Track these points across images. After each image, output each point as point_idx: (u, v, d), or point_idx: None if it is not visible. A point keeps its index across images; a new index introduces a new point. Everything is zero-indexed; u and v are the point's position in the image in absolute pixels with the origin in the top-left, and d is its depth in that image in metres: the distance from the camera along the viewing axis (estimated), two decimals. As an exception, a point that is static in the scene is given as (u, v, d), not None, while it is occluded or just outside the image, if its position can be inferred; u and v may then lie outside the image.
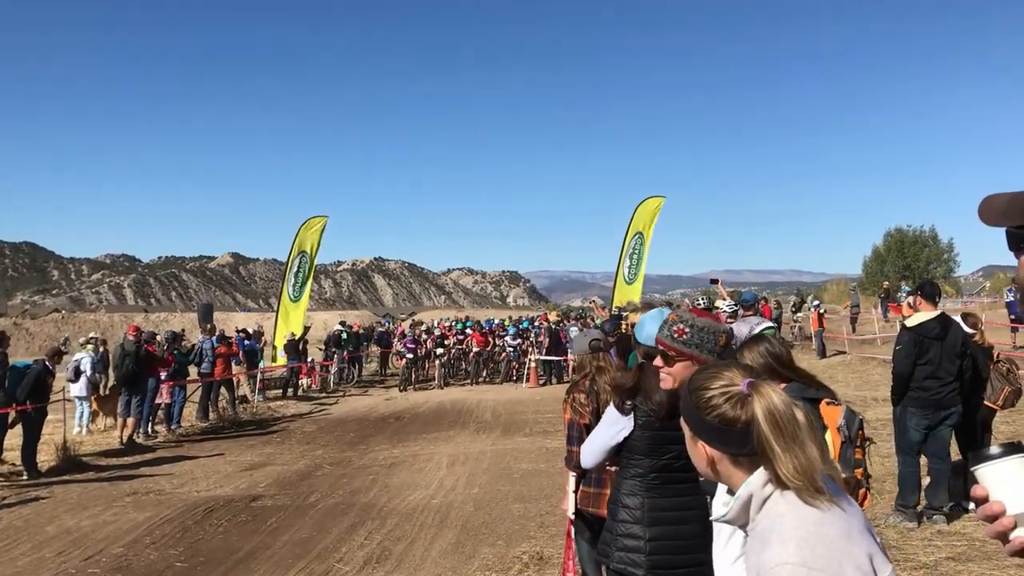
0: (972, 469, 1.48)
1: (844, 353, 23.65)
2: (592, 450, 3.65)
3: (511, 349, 25.07)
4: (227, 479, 11.34)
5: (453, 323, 31.45)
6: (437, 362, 25.14)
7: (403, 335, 26.58)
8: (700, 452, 1.80)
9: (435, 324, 29.95)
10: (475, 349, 25.81)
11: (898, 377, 7.28)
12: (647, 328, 4.14)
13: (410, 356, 24.05)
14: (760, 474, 1.70)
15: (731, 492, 1.78)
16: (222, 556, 7.66)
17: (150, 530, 8.57)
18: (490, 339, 26.53)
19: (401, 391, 23.02)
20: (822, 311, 25.32)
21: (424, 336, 26.21)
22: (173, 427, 16.04)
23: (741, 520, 1.74)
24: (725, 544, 1.98)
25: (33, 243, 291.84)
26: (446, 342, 26.16)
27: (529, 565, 7.10)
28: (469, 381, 25.00)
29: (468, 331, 28.16)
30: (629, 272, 25.59)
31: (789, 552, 1.58)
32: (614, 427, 3.52)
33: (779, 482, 1.67)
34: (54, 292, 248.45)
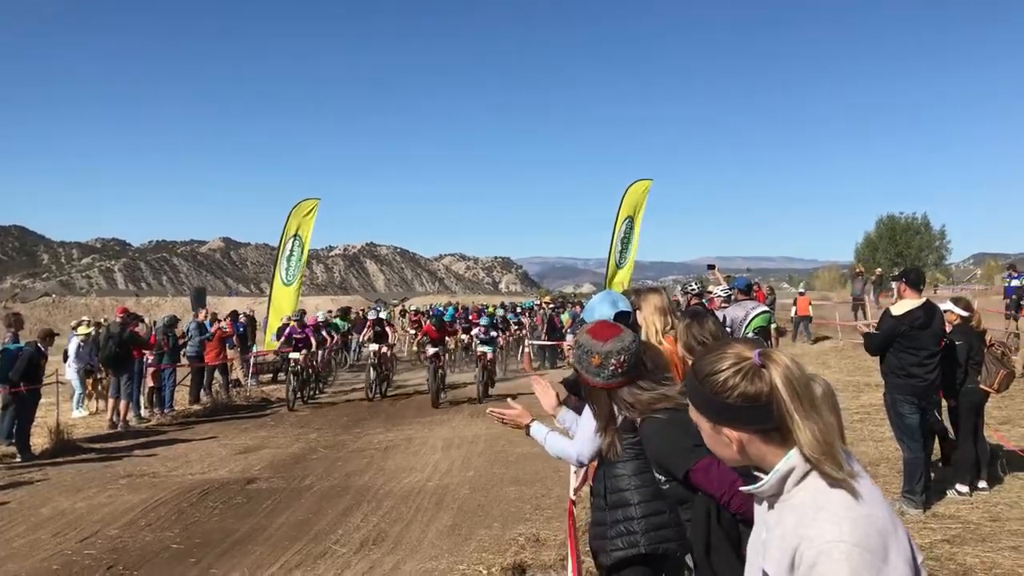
0: None
1: (830, 339, 23.82)
2: (585, 441, 3.63)
3: (485, 346, 18.45)
4: (222, 462, 11.33)
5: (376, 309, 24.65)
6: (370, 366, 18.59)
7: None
8: (725, 440, 1.74)
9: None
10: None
11: (869, 351, 7.76)
12: (597, 311, 4.21)
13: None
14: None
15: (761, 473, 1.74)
16: (218, 538, 7.65)
17: (145, 512, 8.56)
18: (448, 332, 19.58)
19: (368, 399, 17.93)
20: (808, 297, 25.37)
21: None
22: (165, 410, 16.02)
23: (772, 492, 1.72)
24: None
25: (22, 226, 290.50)
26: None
27: (525, 547, 7.11)
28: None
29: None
30: (621, 257, 25.57)
31: (844, 531, 1.56)
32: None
33: (803, 454, 1.65)
34: (44, 276, 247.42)
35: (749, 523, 2.87)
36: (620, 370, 3.18)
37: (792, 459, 1.68)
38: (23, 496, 9.30)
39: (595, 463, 4.37)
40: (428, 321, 21.74)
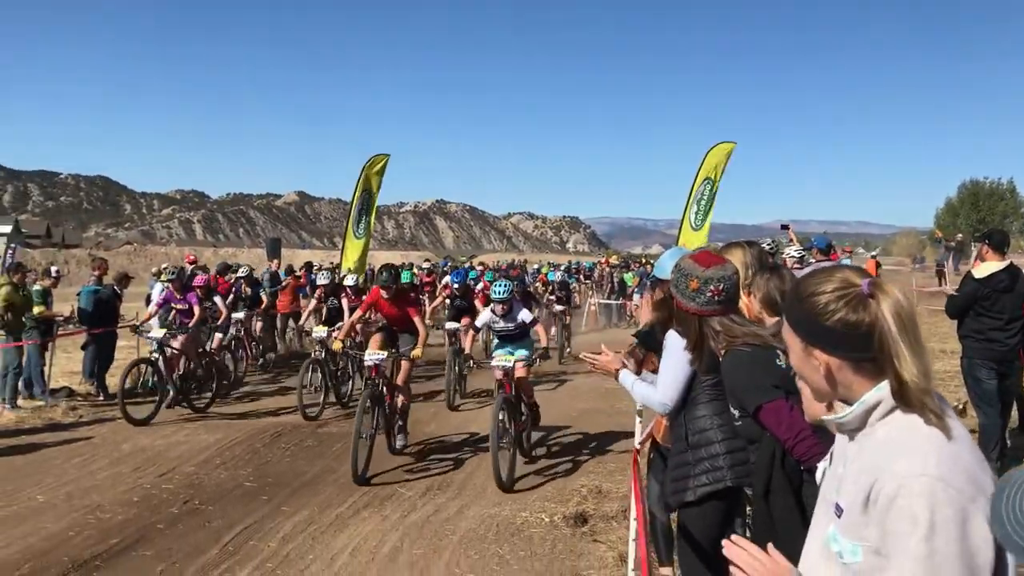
0: None
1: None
2: (668, 386, 3.64)
3: (560, 305, 17.40)
4: (294, 406, 11.62)
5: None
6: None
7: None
8: (815, 362, 1.70)
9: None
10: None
11: (948, 314, 7.52)
12: (668, 266, 4.23)
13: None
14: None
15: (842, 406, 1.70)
16: (289, 478, 7.90)
17: (220, 451, 8.87)
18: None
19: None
20: (875, 260, 24.67)
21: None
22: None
23: (855, 425, 1.68)
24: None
25: (107, 177, 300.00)
26: None
27: (587, 498, 7.17)
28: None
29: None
30: (696, 219, 25.16)
31: (928, 465, 1.51)
32: (681, 355, 3.50)
33: (902, 389, 1.60)
34: (126, 225, 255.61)
35: (811, 471, 2.87)
36: (716, 298, 3.20)
37: (881, 391, 1.63)
38: (106, 432, 9.70)
39: (660, 423, 4.38)
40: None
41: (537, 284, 22.61)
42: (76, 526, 6.39)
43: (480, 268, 27.00)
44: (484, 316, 9.13)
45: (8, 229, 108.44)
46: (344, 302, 13.41)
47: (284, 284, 18.46)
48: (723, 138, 28.08)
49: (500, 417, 7.63)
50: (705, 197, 24.76)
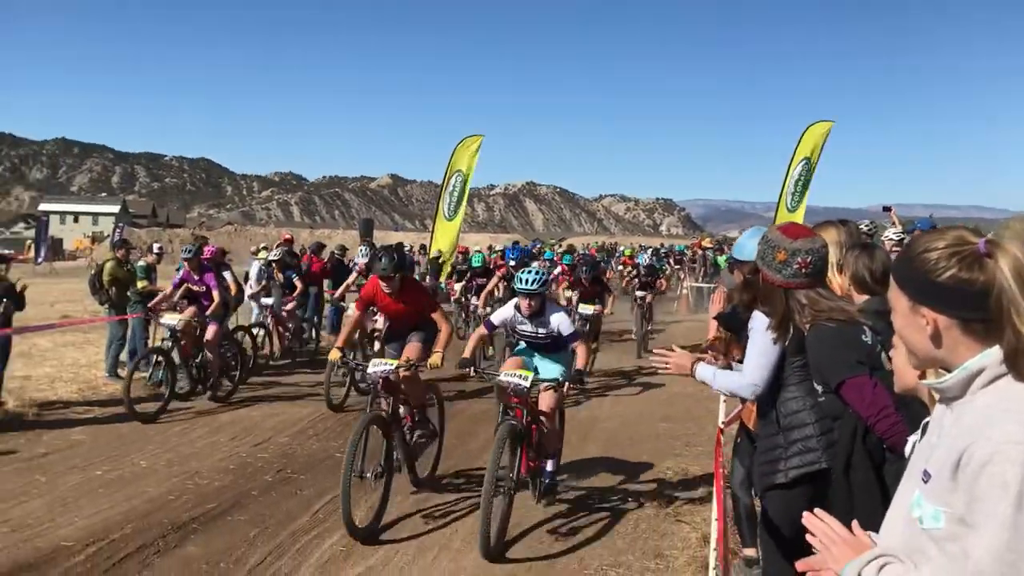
0: None
1: None
2: (755, 369, 3.54)
3: (642, 291, 15.81)
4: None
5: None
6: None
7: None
8: (921, 322, 1.63)
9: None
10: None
11: None
12: (747, 247, 4.12)
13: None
14: (999, 349, 1.54)
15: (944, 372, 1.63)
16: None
17: (313, 423, 9.12)
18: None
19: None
20: None
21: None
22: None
23: (954, 392, 1.61)
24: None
25: (209, 159, 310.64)
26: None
27: (674, 480, 7.11)
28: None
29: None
30: (792, 200, 24.57)
31: None
32: (768, 335, 3.41)
33: (1016, 354, 1.52)
34: (228, 207, 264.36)
35: (894, 450, 2.77)
36: (804, 270, 3.13)
37: (988, 358, 1.56)
38: (204, 402, 10.05)
39: (748, 408, 4.29)
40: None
41: (621, 268, 22.11)
42: (175, 491, 6.66)
43: (557, 249, 26.62)
44: (504, 312, 6.51)
45: (116, 209, 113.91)
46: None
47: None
48: (823, 116, 27.13)
49: (499, 455, 5.50)
50: (802, 178, 24.13)
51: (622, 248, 35.85)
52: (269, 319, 13.75)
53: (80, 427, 8.61)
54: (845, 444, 2.87)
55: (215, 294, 10.22)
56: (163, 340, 10.17)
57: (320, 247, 17.93)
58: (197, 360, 10.24)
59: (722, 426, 4.98)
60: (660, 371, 3.82)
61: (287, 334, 14.01)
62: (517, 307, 6.34)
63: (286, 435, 8.61)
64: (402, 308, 7.01)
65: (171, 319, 9.84)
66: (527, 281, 6.13)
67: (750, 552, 4.84)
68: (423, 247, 23.30)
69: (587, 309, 11.95)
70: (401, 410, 6.59)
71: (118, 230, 44.64)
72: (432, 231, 24.67)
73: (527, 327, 6.38)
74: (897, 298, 1.69)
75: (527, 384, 5.79)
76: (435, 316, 6.84)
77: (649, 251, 29.21)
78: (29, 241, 54.35)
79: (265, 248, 18.91)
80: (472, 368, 6.34)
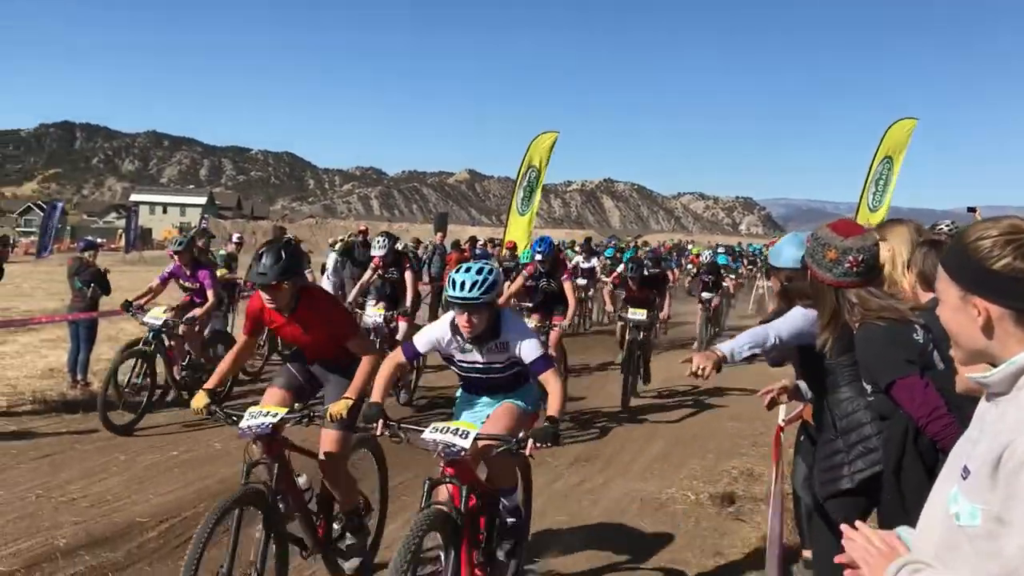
0: None
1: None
2: (787, 328, 3.39)
3: (708, 292, 14.79)
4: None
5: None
6: None
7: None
8: (972, 312, 1.59)
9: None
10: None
11: None
12: (784, 253, 4.04)
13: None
14: None
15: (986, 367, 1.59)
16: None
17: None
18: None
19: None
20: None
21: None
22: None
23: (1000, 388, 1.58)
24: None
25: (293, 153, 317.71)
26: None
27: (738, 479, 7.04)
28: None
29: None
30: (874, 200, 23.93)
31: None
32: (802, 315, 3.34)
33: None
34: (310, 200, 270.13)
35: (947, 452, 2.69)
36: (855, 269, 3.07)
37: None
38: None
39: (808, 406, 4.20)
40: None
41: (689, 267, 21.03)
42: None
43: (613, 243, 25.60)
44: (433, 332, 4.36)
45: (203, 201, 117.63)
46: (408, 276, 9.83)
47: (448, 257, 18.99)
48: (911, 113, 26.30)
49: (412, 552, 3.48)
50: (884, 178, 23.47)
51: (690, 247, 35.10)
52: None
53: (160, 410, 8.91)
54: (896, 445, 2.81)
55: (209, 293, 9.09)
56: (143, 341, 8.56)
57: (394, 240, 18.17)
58: (185, 363, 9.12)
59: (782, 424, 4.90)
60: (695, 377, 3.32)
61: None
62: (453, 326, 4.23)
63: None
64: (299, 333, 4.82)
65: (154, 318, 8.54)
66: (461, 284, 3.99)
67: (810, 553, 4.76)
68: (492, 240, 23.47)
69: (636, 314, 10.21)
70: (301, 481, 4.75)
71: (203, 221, 46.02)
72: (505, 224, 24.83)
73: (470, 355, 4.32)
74: (947, 288, 1.65)
75: (466, 444, 3.82)
76: (351, 345, 4.73)
77: (718, 249, 28.35)
78: (120, 230, 56.54)
79: (341, 240, 19.34)
80: (381, 421, 4.10)
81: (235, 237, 13.23)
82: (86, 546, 5.17)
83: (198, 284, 9.23)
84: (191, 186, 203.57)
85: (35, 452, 7.09)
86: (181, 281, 9.38)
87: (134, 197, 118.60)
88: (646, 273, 10.90)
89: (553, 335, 8.84)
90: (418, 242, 18.68)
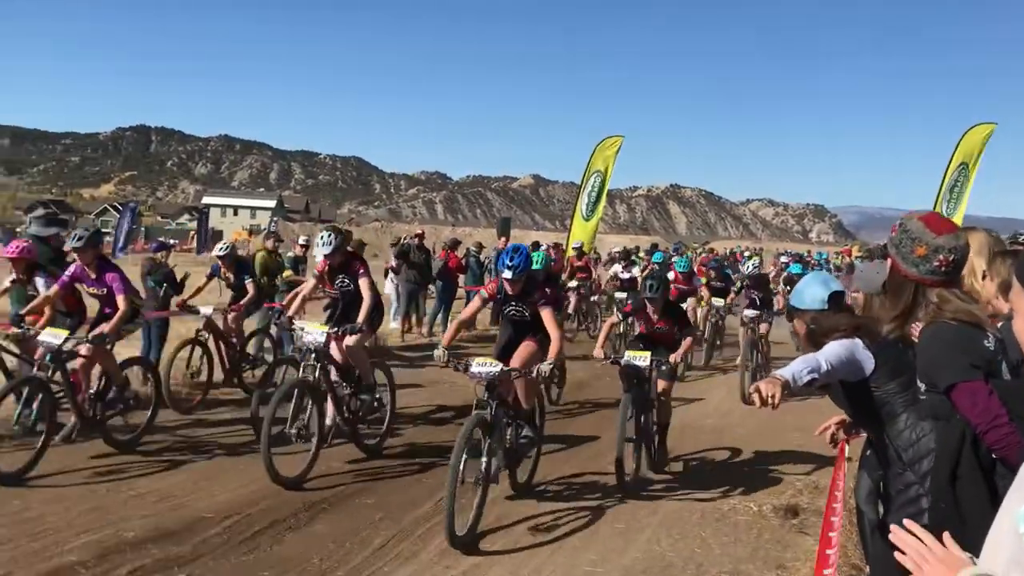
0: None
1: None
2: (835, 355, 3.19)
3: (751, 310, 11.97)
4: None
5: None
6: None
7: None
8: None
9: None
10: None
11: None
12: (807, 295, 3.97)
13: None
14: None
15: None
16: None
17: (440, 409, 9.51)
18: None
19: None
20: None
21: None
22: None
23: None
24: None
25: (360, 158, 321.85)
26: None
27: (803, 491, 6.90)
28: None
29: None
30: (948, 208, 23.24)
31: None
32: (851, 346, 3.20)
33: None
34: (375, 204, 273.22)
35: (1005, 462, 2.57)
36: (943, 268, 2.94)
37: None
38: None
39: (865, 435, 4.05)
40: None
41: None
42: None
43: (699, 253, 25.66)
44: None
45: (273, 204, 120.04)
46: (362, 283, 7.87)
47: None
48: (986, 119, 25.56)
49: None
50: (959, 184, 22.74)
51: (747, 254, 32.65)
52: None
53: (228, 406, 9.10)
54: (951, 451, 2.69)
55: (120, 300, 7.21)
56: (40, 364, 6.79)
57: (456, 243, 18.29)
58: (94, 391, 7.38)
59: (845, 436, 4.78)
60: (765, 406, 3.05)
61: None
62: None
63: (414, 425, 8.87)
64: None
65: (52, 336, 6.80)
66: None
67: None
68: (556, 244, 23.49)
69: (638, 358, 7.20)
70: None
71: (273, 223, 47.02)
72: (568, 229, 24.78)
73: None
74: (1017, 296, 1.59)
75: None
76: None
77: (781, 257, 27.02)
78: (192, 232, 58.04)
79: (394, 244, 19.54)
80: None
81: (302, 240, 13.43)
82: (153, 539, 5.30)
83: (106, 290, 7.33)
84: (261, 189, 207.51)
85: (104, 446, 7.27)
86: (86, 287, 7.45)
87: (206, 200, 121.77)
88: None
89: (522, 384, 6.56)
90: (480, 246, 18.73)
